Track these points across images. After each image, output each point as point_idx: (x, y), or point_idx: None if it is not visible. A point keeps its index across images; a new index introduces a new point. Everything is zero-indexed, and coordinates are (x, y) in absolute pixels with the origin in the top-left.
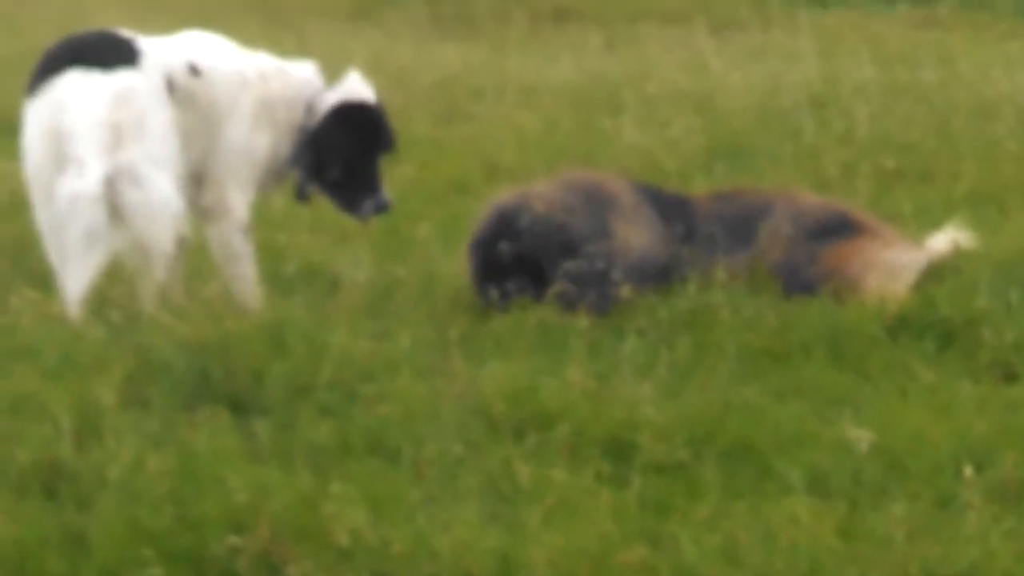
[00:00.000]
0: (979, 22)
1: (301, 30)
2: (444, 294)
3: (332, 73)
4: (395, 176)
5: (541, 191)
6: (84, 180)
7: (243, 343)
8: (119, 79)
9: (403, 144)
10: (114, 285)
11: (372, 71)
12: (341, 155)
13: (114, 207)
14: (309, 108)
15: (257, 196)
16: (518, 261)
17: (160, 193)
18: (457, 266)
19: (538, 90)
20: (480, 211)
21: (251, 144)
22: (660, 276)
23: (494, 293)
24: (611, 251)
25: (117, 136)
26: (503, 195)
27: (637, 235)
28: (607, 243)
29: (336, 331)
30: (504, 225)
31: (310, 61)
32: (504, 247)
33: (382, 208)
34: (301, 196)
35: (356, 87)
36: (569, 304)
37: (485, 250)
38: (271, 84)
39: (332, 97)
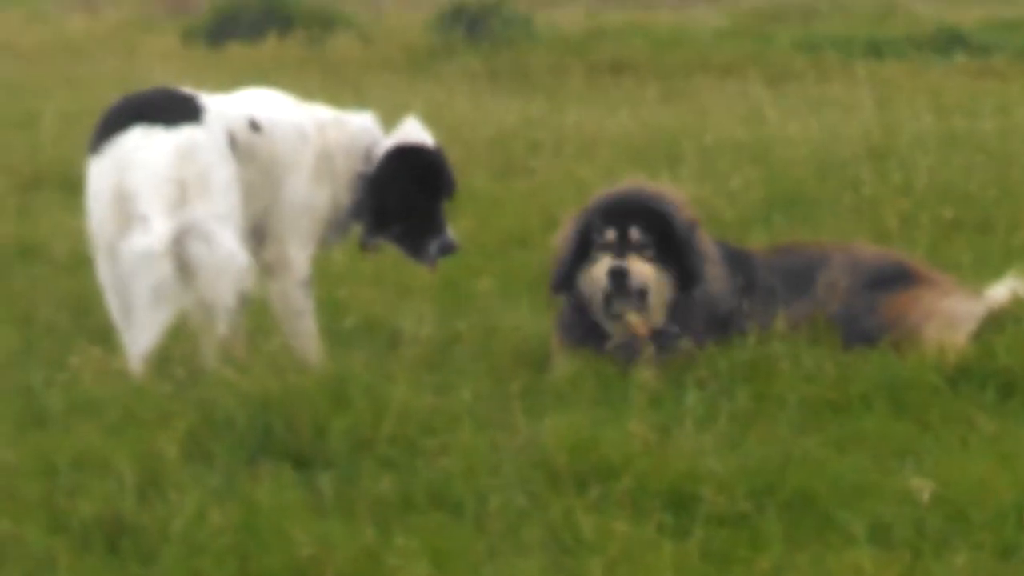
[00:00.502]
0: None
1: (358, 85)
2: (504, 347)
3: (390, 127)
4: (454, 230)
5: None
6: (150, 237)
7: (305, 398)
8: (182, 135)
9: (462, 198)
10: (176, 340)
11: (429, 125)
12: (401, 198)
13: (181, 264)
14: (368, 156)
15: (320, 250)
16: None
17: (226, 250)
18: (517, 319)
19: (596, 142)
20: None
21: (312, 198)
22: (723, 327)
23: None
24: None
25: (182, 192)
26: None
27: (720, 283)
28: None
29: (397, 385)
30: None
31: (368, 111)
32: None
33: (448, 249)
34: (366, 246)
35: (413, 131)
36: (630, 356)
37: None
38: (329, 135)
39: (389, 142)
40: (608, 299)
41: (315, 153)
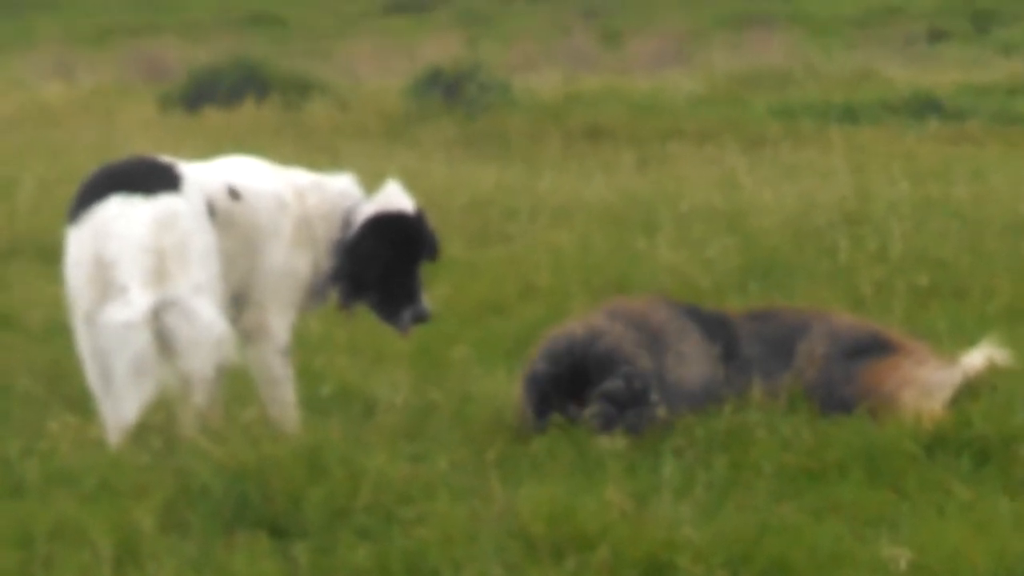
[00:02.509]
0: (1010, 136)
1: (334, 151)
2: (481, 415)
3: (367, 193)
4: (430, 296)
5: (600, 324)
6: (130, 309)
7: (281, 467)
8: (161, 204)
9: (437, 265)
10: (153, 410)
11: (406, 191)
12: (377, 266)
13: (159, 336)
14: (347, 221)
15: (299, 316)
16: (580, 392)
17: (207, 323)
18: (494, 387)
19: (572, 210)
20: (538, 344)
21: (291, 265)
22: (702, 398)
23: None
24: (663, 382)
25: (161, 261)
26: (559, 329)
27: (685, 364)
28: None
29: (373, 454)
30: (569, 359)
31: (347, 173)
32: (570, 380)
33: (421, 318)
34: (344, 307)
35: (393, 197)
36: (606, 425)
37: (546, 384)
38: (308, 201)
39: (369, 208)
40: None
41: (294, 220)
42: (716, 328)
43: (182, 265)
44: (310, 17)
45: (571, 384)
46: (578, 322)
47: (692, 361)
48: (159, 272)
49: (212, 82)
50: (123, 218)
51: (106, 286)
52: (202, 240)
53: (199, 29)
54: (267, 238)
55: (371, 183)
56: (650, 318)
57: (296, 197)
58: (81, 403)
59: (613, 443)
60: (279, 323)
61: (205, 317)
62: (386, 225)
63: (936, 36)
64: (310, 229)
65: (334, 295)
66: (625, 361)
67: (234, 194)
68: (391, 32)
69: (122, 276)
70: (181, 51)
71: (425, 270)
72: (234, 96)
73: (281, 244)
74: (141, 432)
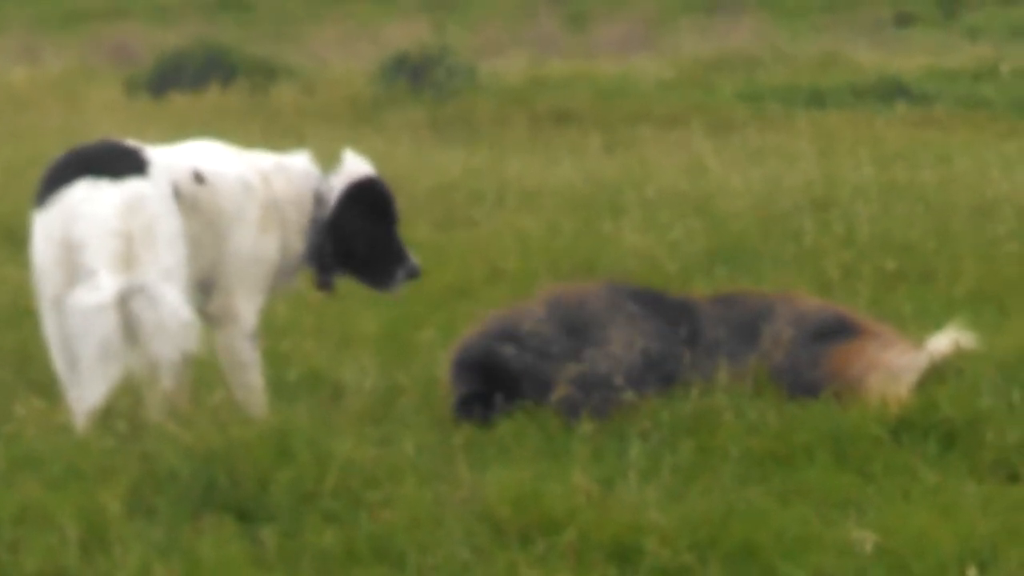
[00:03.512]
0: (977, 121)
1: (300, 134)
2: (447, 399)
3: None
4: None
5: (525, 308)
6: (99, 293)
7: (248, 451)
8: (129, 188)
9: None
10: (119, 394)
11: None
12: (365, 233)
13: (127, 324)
14: (318, 198)
15: (268, 299)
16: (504, 381)
17: (173, 309)
18: None
19: (539, 193)
20: (468, 329)
21: (259, 250)
22: (663, 380)
23: (476, 410)
24: (610, 358)
25: (128, 245)
26: (490, 315)
27: (612, 348)
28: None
29: (340, 438)
30: (490, 349)
31: (304, 151)
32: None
33: (414, 274)
34: (323, 286)
35: (357, 165)
36: (572, 409)
37: (469, 370)
38: (274, 184)
39: (340, 181)
40: None
41: (261, 204)
42: (679, 312)
43: (150, 249)
44: (277, 2)
45: (488, 370)
46: (511, 307)
47: (624, 345)
48: (127, 256)
49: (178, 66)
50: (91, 201)
51: (73, 269)
52: (169, 224)
53: (167, 14)
54: (233, 223)
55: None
56: (586, 303)
57: (262, 181)
58: (47, 388)
59: (579, 427)
60: (247, 308)
61: (171, 303)
62: (363, 192)
63: (903, 20)
64: (279, 213)
65: (304, 277)
66: (536, 346)
67: (199, 178)
68: (357, 16)
69: (90, 259)
70: (148, 35)
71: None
72: (200, 80)
73: (248, 229)
74: (107, 416)
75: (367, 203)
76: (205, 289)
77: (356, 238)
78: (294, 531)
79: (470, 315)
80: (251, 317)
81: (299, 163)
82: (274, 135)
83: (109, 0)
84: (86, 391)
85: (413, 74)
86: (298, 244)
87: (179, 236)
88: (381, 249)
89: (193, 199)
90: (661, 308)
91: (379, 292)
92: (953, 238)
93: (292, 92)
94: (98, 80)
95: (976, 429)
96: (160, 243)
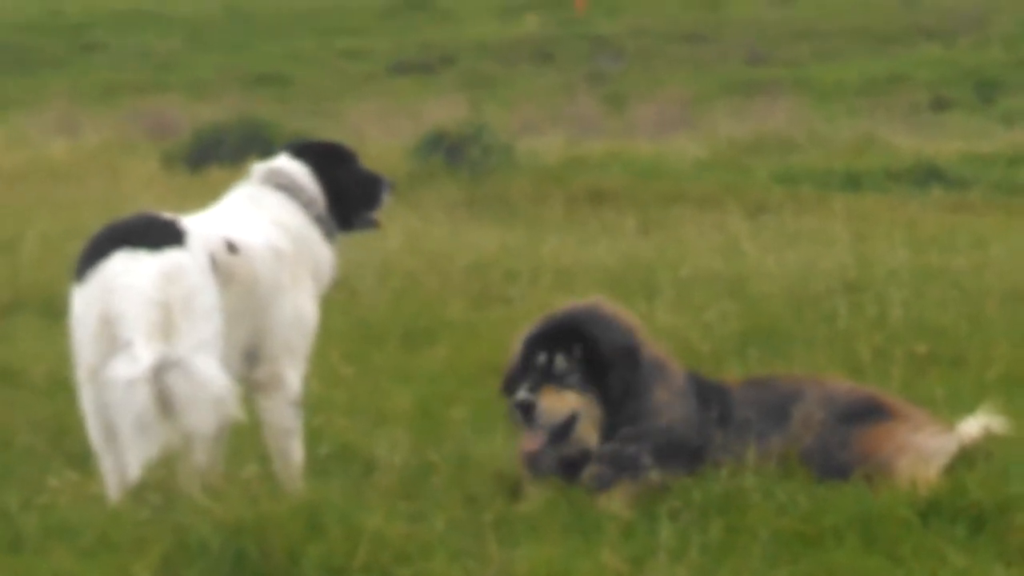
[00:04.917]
0: (1012, 206)
1: None
2: (478, 476)
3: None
4: (430, 359)
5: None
6: (134, 367)
7: (279, 524)
8: (167, 258)
9: (438, 326)
10: (153, 465)
11: (407, 253)
12: (352, 184)
13: (162, 396)
14: (308, 202)
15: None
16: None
17: (207, 382)
18: (491, 448)
19: (574, 273)
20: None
21: (300, 313)
22: (693, 459)
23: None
24: (648, 428)
25: (167, 315)
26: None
27: (675, 412)
28: (645, 419)
29: (371, 513)
30: (573, 327)
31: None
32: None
33: (392, 186)
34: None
35: (280, 160)
36: (602, 487)
37: (541, 348)
38: (287, 224)
39: (296, 172)
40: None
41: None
42: (712, 393)
43: (188, 319)
44: (316, 77)
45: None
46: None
47: (681, 411)
48: (164, 326)
49: (216, 140)
50: (129, 272)
51: (111, 342)
52: (207, 294)
53: (205, 88)
54: (271, 291)
55: (373, 244)
56: (661, 356)
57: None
58: (82, 459)
59: (611, 505)
60: (293, 375)
61: (206, 375)
62: (319, 155)
63: (940, 105)
64: (308, 266)
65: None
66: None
67: (232, 248)
68: (396, 93)
69: (127, 331)
70: (186, 109)
71: (426, 333)
72: (239, 154)
73: (286, 296)
74: (141, 488)
75: (329, 159)
76: (250, 358)
77: (352, 192)
78: None
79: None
80: (296, 384)
81: (280, 188)
82: None
83: (148, 73)
84: (123, 463)
85: (450, 152)
86: (325, 252)
87: (216, 306)
88: (365, 184)
89: (228, 269)
90: (698, 388)
91: (373, 215)
92: (986, 323)
93: None
94: (136, 153)
95: (1005, 513)
96: (197, 313)
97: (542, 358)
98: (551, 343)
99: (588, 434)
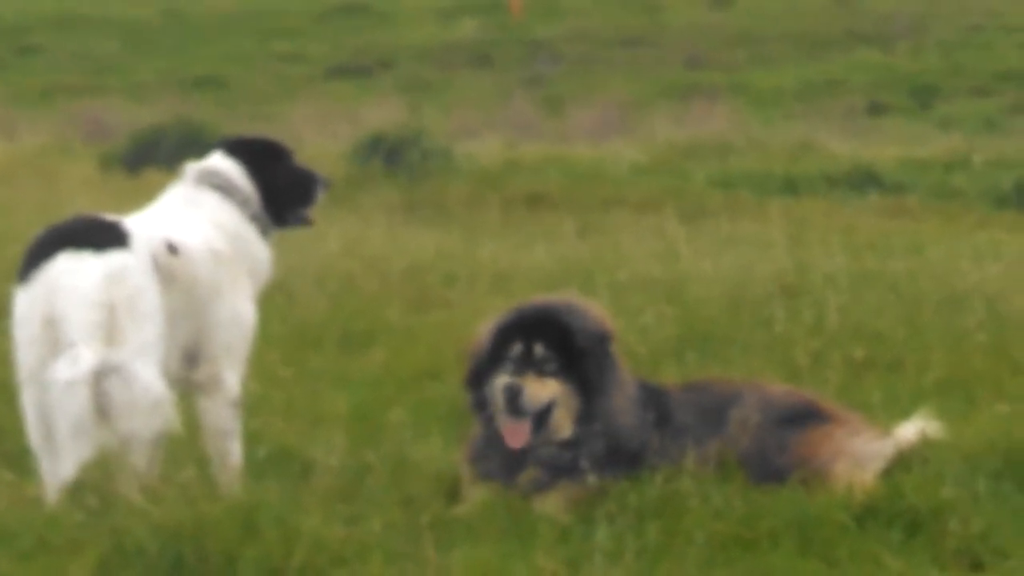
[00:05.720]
0: (949, 211)
1: None
2: (416, 479)
3: (308, 253)
4: (367, 362)
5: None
6: (75, 369)
7: (216, 527)
8: (111, 259)
9: (376, 330)
10: (90, 468)
11: (345, 256)
12: (286, 177)
13: (100, 400)
14: (244, 201)
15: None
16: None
17: (145, 388)
18: (429, 451)
19: (511, 276)
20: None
21: (239, 316)
22: (631, 462)
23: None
24: (602, 429)
25: (111, 317)
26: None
27: (628, 417)
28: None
29: (308, 515)
30: (549, 317)
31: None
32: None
33: (328, 184)
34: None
35: (213, 159)
36: (540, 490)
37: (516, 337)
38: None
39: (231, 171)
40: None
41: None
42: (650, 396)
43: (131, 321)
44: (254, 80)
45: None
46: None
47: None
48: (108, 328)
49: (154, 143)
50: (73, 273)
51: (55, 343)
52: (150, 295)
53: (143, 91)
54: (211, 293)
55: (311, 248)
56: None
57: (227, 240)
58: (18, 461)
59: (547, 508)
60: (232, 376)
61: (144, 381)
62: (253, 152)
63: (877, 110)
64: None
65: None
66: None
67: (172, 249)
68: (334, 96)
69: (71, 332)
70: (124, 112)
71: (364, 336)
72: (176, 157)
73: (225, 298)
74: (78, 490)
75: (259, 155)
76: (190, 358)
77: (289, 188)
78: None
79: (440, 397)
80: (235, 385)
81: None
82: None
83: (86, 76)
84: (60, 464)
85: (388, 155)
86: (264, 252)
87: (158, 308)
88: (299, 179)
89: (168, 270)
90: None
91: (307, 212)
92: (922, 328)
93: None
94: (73, 156)
95: (940, 518)
96: (141, 315)
97: (518, 347)
98: (527, 332)
99: (563, 424)
